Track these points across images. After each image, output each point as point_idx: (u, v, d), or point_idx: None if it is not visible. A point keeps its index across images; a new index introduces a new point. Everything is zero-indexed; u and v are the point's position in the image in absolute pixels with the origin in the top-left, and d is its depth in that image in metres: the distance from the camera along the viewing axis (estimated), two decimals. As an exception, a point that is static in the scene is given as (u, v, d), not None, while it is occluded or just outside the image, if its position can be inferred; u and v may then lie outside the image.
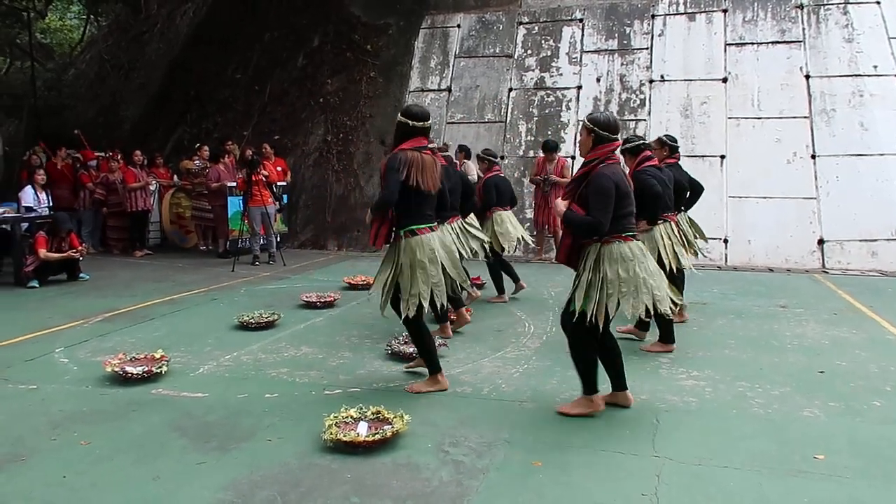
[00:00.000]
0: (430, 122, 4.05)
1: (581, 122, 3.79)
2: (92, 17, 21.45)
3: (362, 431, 3.35)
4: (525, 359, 4.83)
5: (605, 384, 3.83)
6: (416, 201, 3.93)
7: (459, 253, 5.46)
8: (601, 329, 3.60)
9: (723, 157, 9.91)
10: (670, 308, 3.76)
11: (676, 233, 5.32)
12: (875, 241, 8.97)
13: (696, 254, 5.75)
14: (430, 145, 4.10)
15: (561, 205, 3.68)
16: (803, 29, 10.30)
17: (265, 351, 5.05)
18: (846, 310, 6.42)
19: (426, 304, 3.93)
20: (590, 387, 3.72)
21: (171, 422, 3.66)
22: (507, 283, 6.93)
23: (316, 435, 3.40)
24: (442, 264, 3.99)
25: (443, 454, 3.24)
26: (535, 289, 7.51)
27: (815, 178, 9.46)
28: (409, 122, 3.97)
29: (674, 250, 5.12)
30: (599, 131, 3.63)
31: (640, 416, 3.72)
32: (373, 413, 3.53)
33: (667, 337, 4.98)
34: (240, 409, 3.84)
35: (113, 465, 3.16)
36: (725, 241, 9.48)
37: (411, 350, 4.81)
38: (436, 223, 4.11)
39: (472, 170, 9.69)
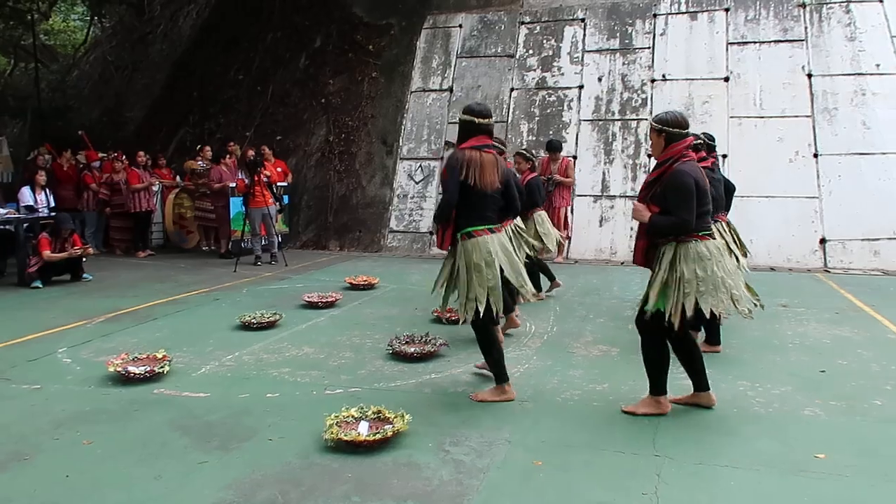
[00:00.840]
0: (492, 119, 3.96)
1: (649, 126, 3.73)
2: (95, 18, 21.50)
3: (363, 431, 3.36)
4: (526, 358, 4.83)
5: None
6: (474, 202, 3.79)
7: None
8: (677, 329, 3.54)
9: (724, 156, 9.89)
10: (753, 305, 3.66)
11: (728, 232, 5.27)
12: (877, 240, 8.95)
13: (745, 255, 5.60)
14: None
15: (643, 209, 3.59)
16: (805, 28, 10.28)
17: (267, 351, 5.07)
18: (848, 309, 6.41)
19: (482, 308, 3.76)
20: (658, 388, 3.70)
21: (173, 421, 3.67)
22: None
23: (317, 434, 3.41)
24: (501, 267, 3.83)
25: (443, 453, 3.25)
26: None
27: (818, 177, 9.45)
28: (475, 119, 3.86)
29: (729, 248, 5.08)
30: (670, 130, 3.57)
31: (641, 415, 3.71)
32: (374, 412, 3.54)
33: (713, 338, 4.94)
34: (241, 409, 3.85)
35: (115, 464, 3.18)
36: (728, 240, 9.46)
37: (412, 350, 4.82)
38: (497, 225, 3.95)
39: None
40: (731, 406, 3.87)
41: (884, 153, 9.29)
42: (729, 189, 5.81)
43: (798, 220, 9.31)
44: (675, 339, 3.69)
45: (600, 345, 5.18)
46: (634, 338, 5.31)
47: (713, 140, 5.57)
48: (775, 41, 10.35)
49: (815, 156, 9.55)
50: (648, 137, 3.74)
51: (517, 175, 5.81)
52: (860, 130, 9.48)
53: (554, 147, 9.55)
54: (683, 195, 3.46)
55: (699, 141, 4.92)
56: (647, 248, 3.70)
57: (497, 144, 5.42)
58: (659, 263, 3.60)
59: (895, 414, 3.73)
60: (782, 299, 6.79)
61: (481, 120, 3.87)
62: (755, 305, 3.71)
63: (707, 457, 3.19)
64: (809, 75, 9.98)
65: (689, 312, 3.50)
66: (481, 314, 3.78)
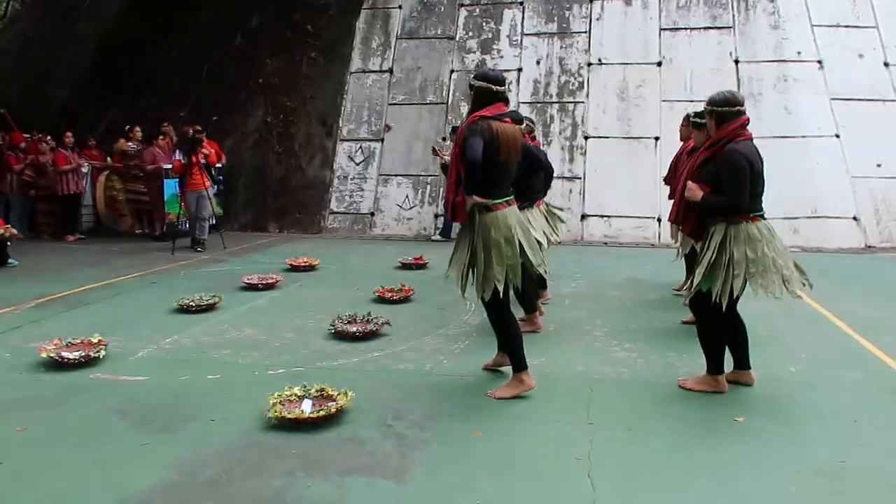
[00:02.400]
0: (506, 86, 3.75)
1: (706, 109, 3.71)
2: (14, -10, 20.36)
3: (307, 408, 3.40)
4: (466, 335, 4.95)
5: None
6: (494, 174, 3.54)
7: (547, 238, 5.04)
8: (725, 308, 3.58)
9: (657, 138, 10.24)
10: (802, 285, 3.65)
11: None
12: (797, 218, 9.46)
13: None
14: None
15: (696, 189, 3.57)
16: (733, 15, 10.69)
17: (206, 333, 5.02)
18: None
19: (500, 287, 3.55)
20: (717, 366, 3.72)
21: (112, 406, 3.62)
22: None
23: (260, 414, 3.43)
24: (519, 244, 3.63)
25: (386, 428, 3.33)
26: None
27: (743, 160, 9.86)
28: (492, 87, 3.61)
29: None
30: (719, 109, 3.57)
31: (575, 386, 3.89)
32: (317, 390, 3.58)
33: None
34: (182, 391, 3.83)
35: (53, 449, 3.13)
36: (658, 220, 9.83)
37: (354, 329, 4.86)
38: (512, 197, 3.73)
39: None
40: (659, 376, 4.08)
41: (804, 136, 9.79)
42: None
43: (725, 200, 9.71)
44: (721, 318, 3.69)
45: (538, 321, 5.33)
46: (568, 314, 5.55)
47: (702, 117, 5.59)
48: (705, 28, 10.73)
49: (741, 139, 9.96)
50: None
51: (538, 148, 5.44)
52: (783, 115, 9.95)
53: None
54: (737, 176, 3.46)
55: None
56: (696, 225, 3.73)
57: (530, 124, 5.22)
58: (707, 243, 3.62)
59: (807, 380, 4.01)
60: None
61: (498, 87, 3.63)
62: (804, 285, 3.70)
63: (636, 423, 3.37)
64: (736, 61, 10.40)
65: (738, 293, 3.55)
66: (501, 294, 3.60)
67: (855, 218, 9.34)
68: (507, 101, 3.72)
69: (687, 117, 5.70)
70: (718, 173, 3.53)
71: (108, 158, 11.18)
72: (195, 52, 12.67)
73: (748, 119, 3.66)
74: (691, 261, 4.99)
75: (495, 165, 3.54)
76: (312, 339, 4.87)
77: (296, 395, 3.53)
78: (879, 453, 3.04)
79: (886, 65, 10.19)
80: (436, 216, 10.63)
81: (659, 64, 10.63)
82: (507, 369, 3.89)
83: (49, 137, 10.28)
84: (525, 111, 10.82)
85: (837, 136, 9.68)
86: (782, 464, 2.94)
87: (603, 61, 10.86)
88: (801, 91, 10.02)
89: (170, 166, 9.53)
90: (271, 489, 2.73)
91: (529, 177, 4.80)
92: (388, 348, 4.64)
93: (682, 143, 5.92)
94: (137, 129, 10.70)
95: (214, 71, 12.41)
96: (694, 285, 3.64)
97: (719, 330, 3.74)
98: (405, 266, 7.63)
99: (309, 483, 2.78)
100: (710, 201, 3.55)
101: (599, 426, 3.34)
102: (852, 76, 10.10)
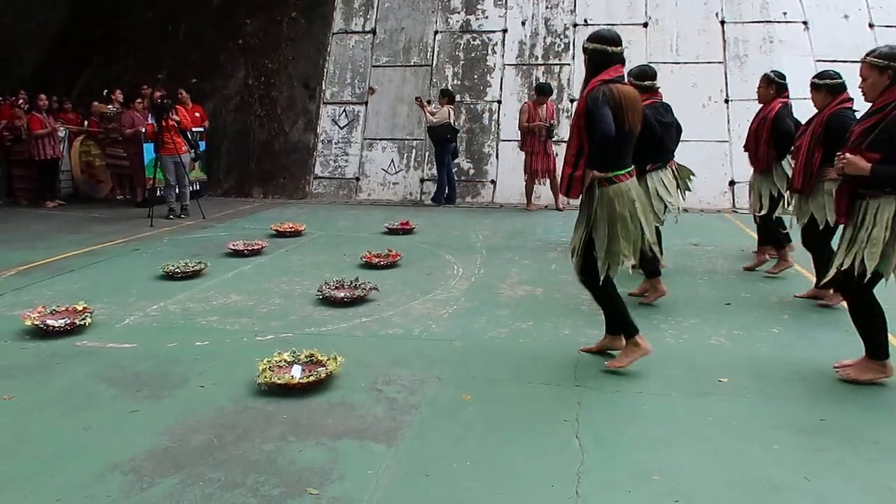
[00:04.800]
0: (623, 47, 3.48)
1: (865, 62, 3.36)
2: (-21, -54, 19.59)
3: (296, 374, 3.41)
4: (454, 300, 4.97)
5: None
6: (618, 143, 3.33)
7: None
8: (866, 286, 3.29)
9: (643, 101, 10.17)
10: None
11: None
12: (781, 181, 9.50)
13: None
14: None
15: (859, 160, 3.19)
16: (720, -26, 10.56)
17: (193, 300, 4.99)
18: (753, 247, 6.83)
19: (630, 263, 3.44)
20: (880, 351, 3.38)
21: (99, 373, 3.61)
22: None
23: (249, 380, 3.44)
24: (640, 219, 3.46)
25: (376, 392, 3.35)
26: (464, 232, 7.66)
27: (728, 122, 9.89)
28: (607, 48, 3.38)
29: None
30: None
31: (563, 350, 3.92)
32: (306, 356, 3.58)
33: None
34: (170, 358, 3.82)
35: (41, 417, 3.12)
36: (644, 183, 9.83)
37: (342, 295, 4.86)
38: (633, 168, 3.53)
39: (450, 115, 9.61)
40: (645, 338, 4.11)
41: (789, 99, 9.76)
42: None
43: (709, 162, 9.74)
44: (872, 297, 3.38)
45: (525, 285, 5.37)
46: (557, 278, 5.57)
47: (783, 78, 5.46)
48: (691, -13, 10.59)
49: (727, 101, 9.96)
50: (861, 76, 3.35)
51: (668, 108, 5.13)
52: (767, 77, 9.91)
53: (545, 91, 9.43)
54: None
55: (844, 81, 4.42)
56: (850, 200, 3.34)
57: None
58: (873, 219, 3.22)
59: (790, 340, 4.08)
60: (694, 239, 7.19)
61: (614, 48, 3.40)
62: None
63: (623, 385, 3.42)
64: (722, 22, 10.31)
65: None
66: (629, 269, 3.48)
67: (837, 180, 9.40)
68: (623, 62, 3.47)
69: (767, 78, 5.51)
70: (892, 139, 3.17)
71: (85, 122, 10.94)
72: (171, 13, 12.33)
73: None
74: (765, 227, 5.25)
75: (619, 134, 3.30)
76: (300, 305, 4.86)
77: (285, 360, 3.54)
78: (859, 410, 3.12)
79: (871, 26, 10.16)
80: (422, 181, 10.56)
81: (645, 25, 10.52)
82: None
83: (22, 101, 10.00)
84: (510, 73, 10.71)
85: (821, 98, 9.67)
86: (765, 422, 3.00)
87: (589, 22, 10.71)
88: (786, 53, 9.97)
89: (144, 130, 9.32)
90: (263, 454, 2.75)
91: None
92: (376, 314, 4.65)
93: (760, 105, 5.66)
94: (118, 91, 10.44)
95: (192, 32, 12.10)
96: (872, 267, 3.21)
97: (879, 308, 3.38)
98: (391, 231, 7.61)
99: (300, 447, 2.80)
100: (885, 172, 3.15)
101: (587, 388, 3.38)
102: (837, 37, 10.05)
